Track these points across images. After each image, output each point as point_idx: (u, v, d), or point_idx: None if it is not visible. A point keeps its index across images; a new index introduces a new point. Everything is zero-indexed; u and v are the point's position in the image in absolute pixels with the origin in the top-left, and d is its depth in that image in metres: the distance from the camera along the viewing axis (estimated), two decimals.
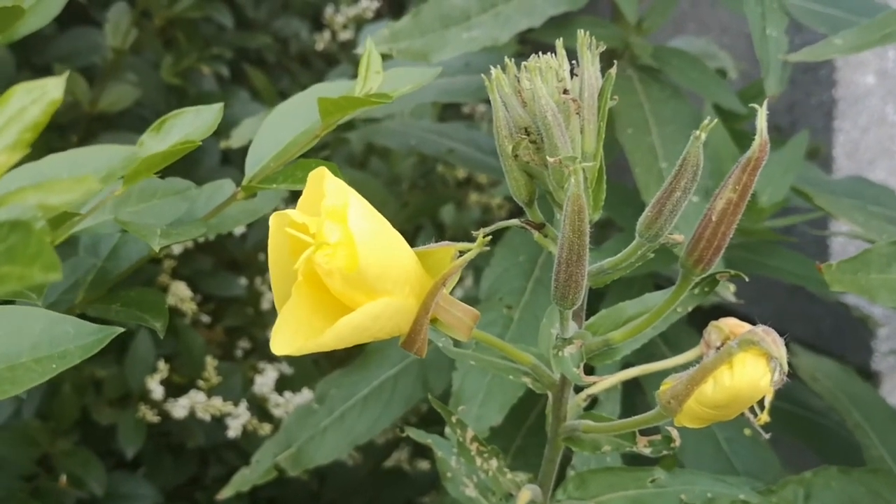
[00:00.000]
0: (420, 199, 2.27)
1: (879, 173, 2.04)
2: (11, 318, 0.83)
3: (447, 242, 0.77)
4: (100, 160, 0.80)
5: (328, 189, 0.72)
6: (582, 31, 0.80)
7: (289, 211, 0.72)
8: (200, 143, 0.97)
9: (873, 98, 2.05)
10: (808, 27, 1.61)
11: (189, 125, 1.00)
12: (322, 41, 2.42)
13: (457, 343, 0.86)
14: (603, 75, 0.82)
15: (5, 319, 0.83)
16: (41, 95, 0.51)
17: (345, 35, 2.42)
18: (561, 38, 0.81)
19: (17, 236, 0.45)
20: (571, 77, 0.81)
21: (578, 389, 0.94)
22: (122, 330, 0.85)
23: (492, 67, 0.82)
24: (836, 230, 1.98)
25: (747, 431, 1.52)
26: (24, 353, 0.82)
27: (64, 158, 0.86)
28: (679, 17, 2.35)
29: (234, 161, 2.04)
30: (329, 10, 2.43)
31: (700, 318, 0.91)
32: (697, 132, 0.74)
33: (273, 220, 0.74)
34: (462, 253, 0.78)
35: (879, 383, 2.02)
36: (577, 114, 0.80)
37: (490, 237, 0.77)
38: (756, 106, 0.74)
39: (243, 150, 1.67)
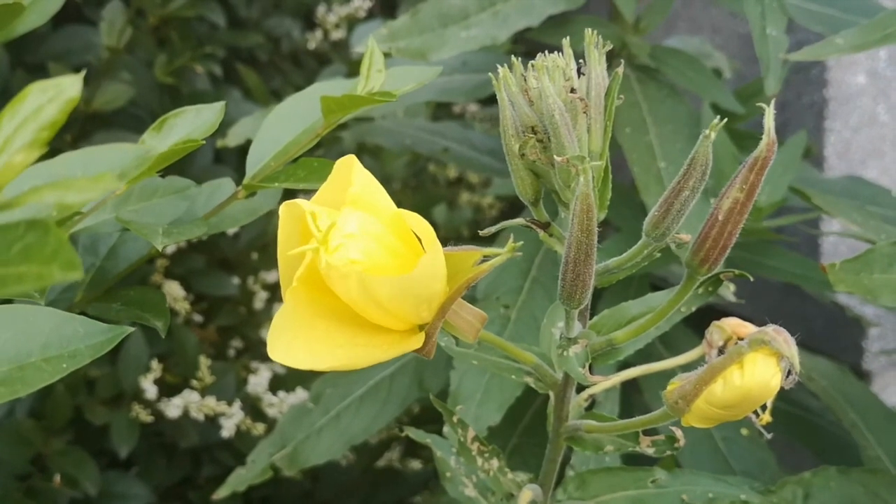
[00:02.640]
0: (412, 198, 2.27)
1: (870, 173, 2.04)
2: (20, 318, 0.83)
3: (471, 246, 0.76)
4: (113, 159, 0.80)
5: (356, 179, 0.70)
6: (589, 29, 0.80)
7: (299, 200, 0.71)
8: (203, 142, 0.97)
9: (864, 98, 2.06)
10: (801, 26, 1.61)
11: (190, 124, 1.00)
12: (314, 40, 2.42)
13: (457, 342, 0.86)
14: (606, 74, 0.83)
15: (14, 319, 0.82)
16: (57, 94, 0.50)
17: (337, 34, 2.42)
18: (567, 37, 0.81)
19: (35, 235, 0.45)
20: (577, 76, 0.81)
21: (580, 389, 0.94)
22: (132, 329, 0.85)
23: (498, 66, 0.82)
24: (827, 229, 1.99)
25: (744, 431, 1.53)
26: (34, 352, 0.81)
27: (77, 157, 0.86)
28: (670, 16, 2.35)
29: (226, 160, 2.04)
30: (321, 10, 2.43)
31: (694, 318, 0.91)
32: (707, 131, 0.74)
33: (283, 210, 0.72)
34: (487, 258, 0.76)
35: (870, 383, 2.02)
36: (585, 113, 0.80)
37: (521, 242, 0.76)
38: (763, 105, 0.74)
39: (237, 149, 1.68)
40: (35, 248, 0.45)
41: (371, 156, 2.30)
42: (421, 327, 0.75)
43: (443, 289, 0.73)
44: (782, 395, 0.75)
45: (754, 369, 0.72)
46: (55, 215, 0.49)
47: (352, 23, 2.42)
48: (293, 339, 0.72)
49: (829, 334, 2.06)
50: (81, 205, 0.48)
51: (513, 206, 2.28)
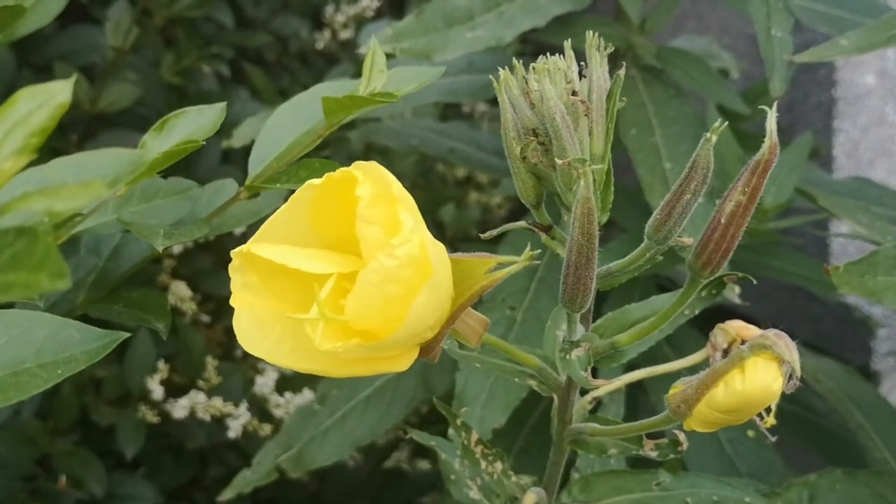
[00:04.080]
0: (420, 198, 2.26)
1: (879, 173, 2.04)
2: (16, 323, 0.83)
3: (484, 254, 0.75)
4: (106, 164, 0.80)
5: (393, 180, 0.69)
6: (590, 31, 0.79)
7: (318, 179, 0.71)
8: (204, 143, 0.97)
9: (873, 98, 2.05)
10: (808, 27, 1.61)
11: (192, 125, 0.99)
12: (322, 40, 2.41)
13: (461, 344, 0.85)
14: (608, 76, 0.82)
15: (10, 324, 0.82)
16: (48, 99, 0.50)
17: (345, 34, 2.41)
18: (569, 39, 0.80)
19: (23, 243, 0.45)
20: (580, 78, 0.81)
21: (584, 392, 0.94)
22: (128, 335, 0.85)
23: (499, 68, 0.81)
24: (835, 231, 1.98)
25: (751, 433, 1.52)
26: (29, 358, 0.81)
27: (69, 163, 0.85)
28: (679, 15, 2.34)
29: (234, 160, 2.04)
30: (329, 9, 2.42)
31: (701, 319, 0.90)
32: (708, 134, 0.74)
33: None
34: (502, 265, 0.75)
35: (879, 384, 2.02)
36: (586, 115, 0.79)
37: (539, 251, 0.75)
38: (765, 107, 0.73)
39: (244, 149, 1.67)
40: (24, 255, 0.45)
41: (379, 155, 2.30)
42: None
43: (444, 313, 0.73)
44: (789, 396, 0.75)
45: (755, 374, 0.72)
46: (48, 221, 0.48)
47: (360, 22, 2.41)
48: (264, 337, 0.72)
49: (838, 335, 2.05)
50: (71, 212, 0.48)
51: (522, 207, 2.25)
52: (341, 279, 0.67)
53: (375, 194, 0.66)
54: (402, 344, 0.70)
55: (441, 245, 0.70)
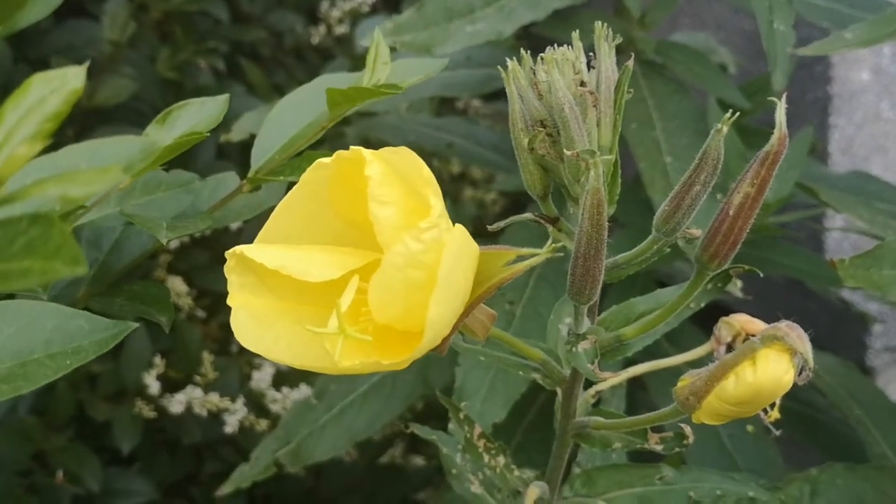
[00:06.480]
0: None
1: (874, 169, 2.04)
2: (24, 313, 0.82)
3: (504, 246, 0.75)
4: (118, 151, 0.79)
5: (422, 163, 0.69)
6: (599, 22, 0.79)
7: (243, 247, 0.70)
8: (208, 135, 0.96)
9: (868, 94, 2.05)
10: (803, 22, 1.61)
11: (194, 117, 0.99)
12: (317, 35, 2.41)
13: (464, 337, 0.85)
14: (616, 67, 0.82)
15: (17, 315, 0.82)
16: (61, 85, 0.49)
17: (340, 29, 2.41)
18: (576, 31, 0.80)
19: (38, 229, 0.44)
20: (588, 70, 0.80)
21: (588, 385, 0.93)
22: (137, 325, 0.84)
23: (506, 60, 0.81)
24: (830, 225, 1.98)
25: (750, 428, 1.52)
26: (37, 348, 0.80)
27: (81, 150, 0.85)
28: (674, 12, 2.34)
29: (229, 155, 2.03)
30: (324, 5, 2.42)
31: (700, 315, 0.90)
32: (719, 125, 0.74)
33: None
34: (523, 258, 0.74)
35: (874, 379, 2.02)
36: (594, 107, 0.79)
37: (560, 243, 0.75)
38: (774, 99, 0.73)
39: (239, 145, 1.67)
40: (39, 242, 0.44)
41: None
42: None
43: (460, 312, 0.72)
44: (787, 392, 0.75)
45: (767, 365, 0.72)
46: (58, 209, 0.48)
47: (355, 17, 2.41)
48: (262, 334, 0.71)
49: (833, 331, 2.05)
50: (86, 198, 0.47)
51: (516, 203, 2.27)
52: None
53: (385, 173, 0.66)
54: (417, 359, 0.70)
55: (475, 245, 0.69)
